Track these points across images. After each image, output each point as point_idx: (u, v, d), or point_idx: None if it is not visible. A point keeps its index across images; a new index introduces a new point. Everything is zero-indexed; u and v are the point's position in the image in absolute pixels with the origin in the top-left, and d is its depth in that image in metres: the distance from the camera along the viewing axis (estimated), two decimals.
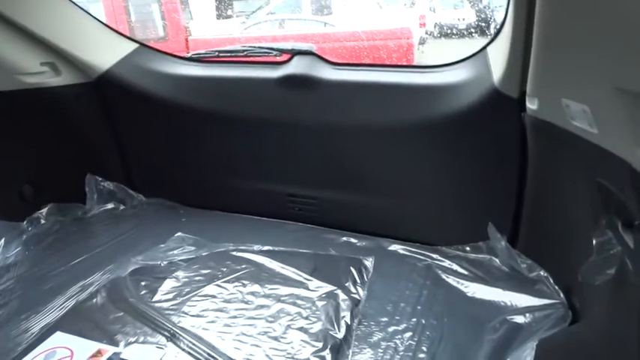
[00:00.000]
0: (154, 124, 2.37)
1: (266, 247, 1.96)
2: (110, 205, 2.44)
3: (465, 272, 1.81)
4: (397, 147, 1.99)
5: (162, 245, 1.98)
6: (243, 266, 1.79)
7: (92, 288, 1.76)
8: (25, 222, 2.20)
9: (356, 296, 1.65)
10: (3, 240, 2.03)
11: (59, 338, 1.49)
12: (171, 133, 2.37)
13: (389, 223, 2.10)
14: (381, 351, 1.44)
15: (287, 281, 1.70)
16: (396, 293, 1.71)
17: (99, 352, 1.42)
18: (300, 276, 1.72)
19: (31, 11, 1.93)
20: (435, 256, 1.92)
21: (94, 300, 1.65)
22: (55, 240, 2.16)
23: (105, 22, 2.32)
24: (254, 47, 2.29)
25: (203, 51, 2.36)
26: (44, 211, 2.27)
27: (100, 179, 2.43)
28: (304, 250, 1.94)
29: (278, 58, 2.24)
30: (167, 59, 2.36)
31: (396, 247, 2.00)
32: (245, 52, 2.29)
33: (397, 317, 1.58)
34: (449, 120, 1.84)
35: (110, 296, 1.65)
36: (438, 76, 1.97)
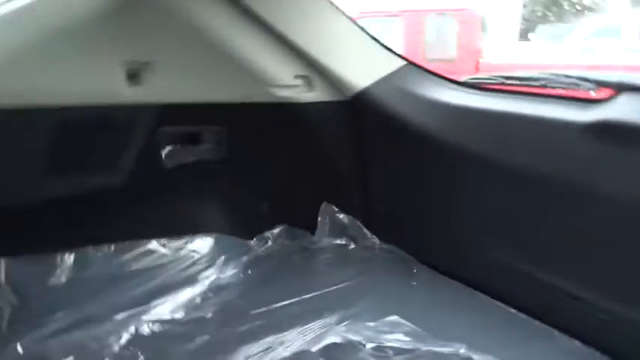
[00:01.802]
0: (409, 157, 1.95)
1: None
2: (340, 241, 2.14)
3: None
4: None
5: (370, 324, 1.52)
6: None
7: (284, 347, 1.46)
8: (253, 240, 2.09)
9: None
10: (224, 257, 1.94)
11: None
12: (426, 172, 1.91)
13: None
14: None
15: None
16: None
17: None
18: None
19: (295, 19, 1.75)
20: None
21: None
22: (275, 268, 1.97)
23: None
24: (557, 75, 1.64)
25: (484, 75, 1.83)
26: (274, 232, 2.12)
27: (336, 209, 2.15)
28: None
29: (593, 94, 1.54)
30: (436, 82, 1.90)
31: None
32: (543, 82, 1.66)
33: None
34: None
35: None
36: None
